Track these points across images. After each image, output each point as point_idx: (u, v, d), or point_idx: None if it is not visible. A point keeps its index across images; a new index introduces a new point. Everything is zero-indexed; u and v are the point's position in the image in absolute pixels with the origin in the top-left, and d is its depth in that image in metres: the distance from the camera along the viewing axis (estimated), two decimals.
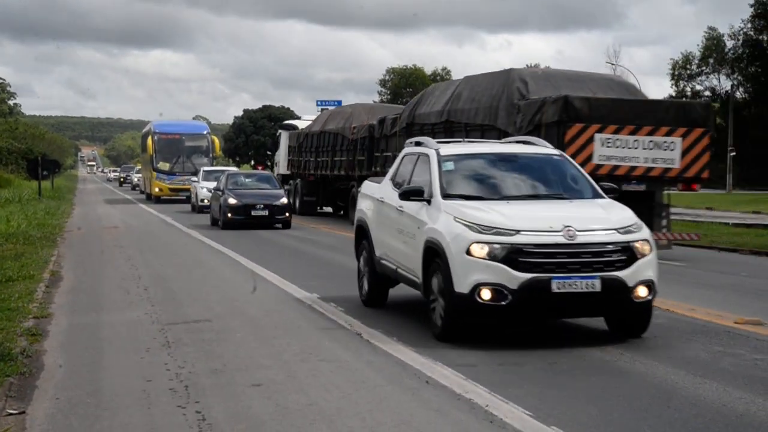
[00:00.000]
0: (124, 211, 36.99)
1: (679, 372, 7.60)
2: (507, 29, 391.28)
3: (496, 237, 8.44)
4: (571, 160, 11.00)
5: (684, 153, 17.87)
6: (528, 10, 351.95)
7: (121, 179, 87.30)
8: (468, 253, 8.44)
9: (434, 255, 8.99)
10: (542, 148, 11.00)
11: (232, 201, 25.41)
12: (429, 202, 9.56)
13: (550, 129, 17.67)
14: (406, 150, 11.56)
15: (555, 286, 8.31)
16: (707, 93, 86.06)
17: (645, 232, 8.97)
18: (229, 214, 25.25)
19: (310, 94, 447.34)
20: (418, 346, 8.50)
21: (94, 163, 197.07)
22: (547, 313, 9.29)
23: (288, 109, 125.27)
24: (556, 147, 12.94)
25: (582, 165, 13.72)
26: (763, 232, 23.51)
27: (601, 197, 9.87)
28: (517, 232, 8.47)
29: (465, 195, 9.61)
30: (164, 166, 44.24)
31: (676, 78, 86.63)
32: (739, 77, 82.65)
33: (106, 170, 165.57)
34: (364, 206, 11.73)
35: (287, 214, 26.04)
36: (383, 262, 10.75)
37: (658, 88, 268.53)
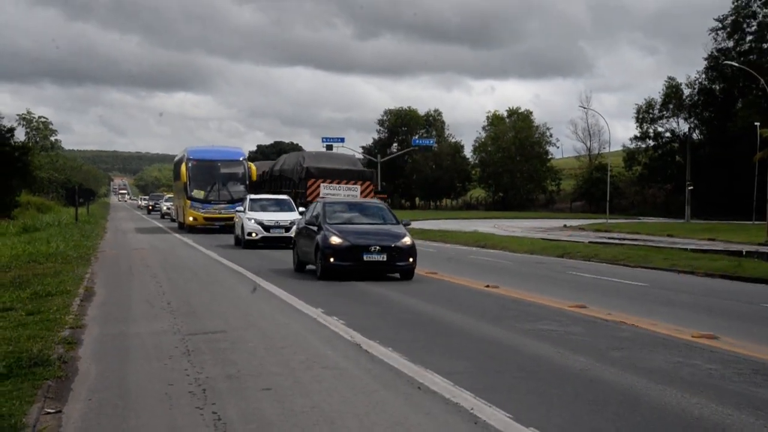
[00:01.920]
0: (156, 241, 32.06)
1: (643, 380, 7.57)
2: (491, 76, 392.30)
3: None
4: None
5: (361, 192, 36.81)
6: (509, 60, 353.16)
7: (150, 207, 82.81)
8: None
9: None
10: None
11: (335, 240, 16.41)
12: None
13: (303, 181, 36.60)
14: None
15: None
16: (668, 134, 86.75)
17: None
18: (332, 259, 16.31)
19: (316, 131, 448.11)
20: (412, 355, 8.47)
21: (125, 191, 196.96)
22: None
23: (297, 144, 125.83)
24: (301, 191, 35.91)
25: (315, 196, 32.00)
26: (716, 257, 23.51)
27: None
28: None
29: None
30: (199, 194, 37.16)
31: (640, 121, 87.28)
32: (695, 121, 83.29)
33: (135, 198, 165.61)
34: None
35: (410, 260, 16.70)
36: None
37: (625, 129, 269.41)
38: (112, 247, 26.60)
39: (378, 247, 16.25)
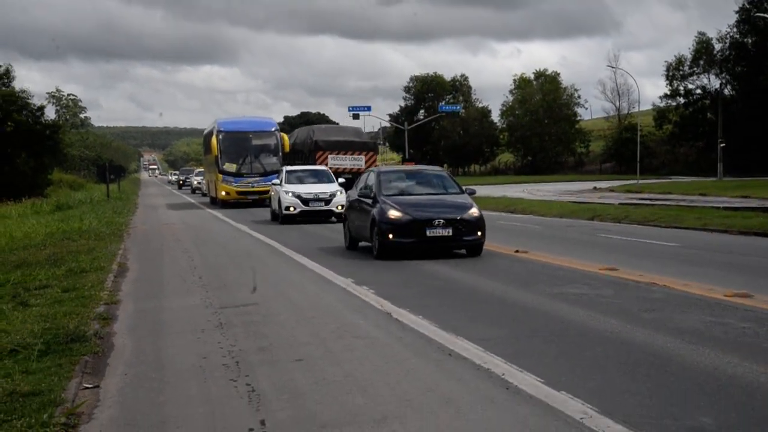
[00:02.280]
0: (189, 218, 30.93)
1: (675, 341, 7.55)
2: (516, 38, 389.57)
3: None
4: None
5: (366, 162, 39.48)
6: (534, 21, 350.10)
7: (180, 182, 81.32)
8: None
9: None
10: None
11: (394, 214, 14.64)
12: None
13: (312, 153, 39.49)
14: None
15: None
16: (699, 91, 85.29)
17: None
18: (390, 235, 14.52)
19: (343, 100, 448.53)
20: (442, 322, 8.51)
21: (156, 167, 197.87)
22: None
23: (324, 115, 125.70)
24: (311, 163, 37.34)
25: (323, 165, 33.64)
26: (749, 215, 23.23)
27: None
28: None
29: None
30: (231, 167, 35.89)
31: (670, 78, 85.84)
32: (727, 77, 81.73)
33: (164, 173, 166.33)
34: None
35: (479, 234, 14.82)
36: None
37: (654, 88, 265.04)
38: (143, 223, 26.88)
39: (442, 221, 14.43)
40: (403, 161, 79.67)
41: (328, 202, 25.36)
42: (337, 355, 7.22)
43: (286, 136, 38.04)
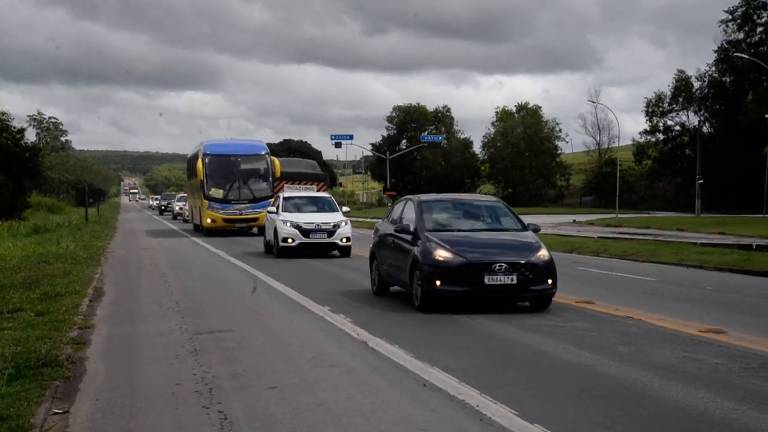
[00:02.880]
0: (172, 245, 29.79)
1: (649, 375, 7.57)
2: (499, 71, 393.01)
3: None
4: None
5: (317, 190, 38.79)
6: (517, 54, 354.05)
7: (162, 207, 77.39)
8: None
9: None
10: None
11: (443, 255, 11.73)
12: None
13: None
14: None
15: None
16: (678, 128, 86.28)
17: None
18: (438, 282, 11.57)
19: (325, 128, 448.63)
20: (417, 353, 8.49)
21: (136, 191, 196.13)
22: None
23: (306, 142, 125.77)
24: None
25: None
26: (726, 251, 23.43)
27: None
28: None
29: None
30: (217, 193, 33.06)
31: (650, 114, 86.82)
32: (705, 114, 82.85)
33: (145, 197, 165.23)
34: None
35: (549, 282, 11.85)
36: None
37: (634, 123, 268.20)
38: (121, 248, 26.70)
39: (505, 265, 11.48)
40: (384, 191, 79.78)
41: (331, 233, 22.27)
42: (311, 384, 7.18)
43: (277, 161, 35.41)
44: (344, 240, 22.27)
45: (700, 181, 67.33)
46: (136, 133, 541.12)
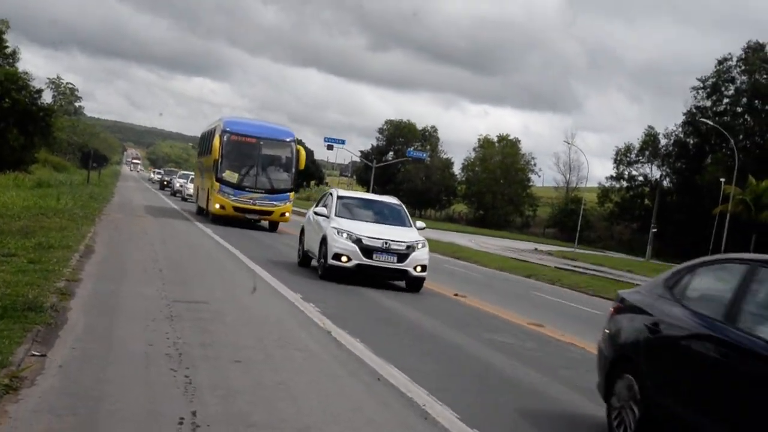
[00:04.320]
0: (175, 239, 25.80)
1: (584, 400, 7.59)
2: (487, 101, 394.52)
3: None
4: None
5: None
6: (506, 89, 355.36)
7: (165, 182, 69.57)
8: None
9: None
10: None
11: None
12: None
13: None
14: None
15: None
16: (640, 178, 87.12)
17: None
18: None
19: (320, 131, 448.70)
20: (377, 349, 8.45)
21: (138, 162, 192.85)
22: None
23: (300, 140, 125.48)
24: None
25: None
26: None
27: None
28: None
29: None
30: (231, 176, 26.82)
31: (617, 162, 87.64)
32: (667, 170, 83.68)
33: (143, 169, 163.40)
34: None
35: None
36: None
37: (602, 168, 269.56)
38: (117, 212, 26.46)
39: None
40: None
41: (403, 257, 14.61)
42: (275, 363, 7.13)
43: (303, 151, 28.63)
44: (418, 269, 14.72)
45: (654, 230, 67.95)
46: (144, 108, 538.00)
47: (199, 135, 38.70)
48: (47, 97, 66.86)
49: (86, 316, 8.10)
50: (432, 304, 13.67)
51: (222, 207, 26.78)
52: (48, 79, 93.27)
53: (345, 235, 14.63)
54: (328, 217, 15.48)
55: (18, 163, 46.37)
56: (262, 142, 27.49)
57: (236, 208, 26.74)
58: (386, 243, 14.63)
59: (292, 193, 27.78)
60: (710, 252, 55.51)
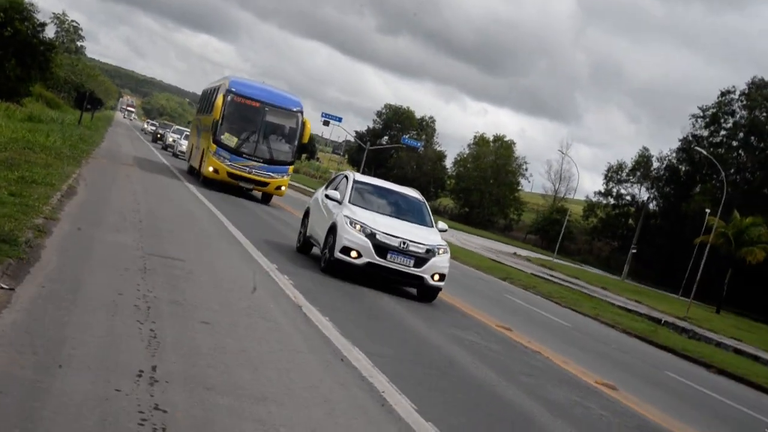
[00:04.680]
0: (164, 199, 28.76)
1: (541, 408, 7.66)
2: (488, 100, 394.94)
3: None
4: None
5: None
6: (509, 90, 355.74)
7: (158, 135, 65.47)
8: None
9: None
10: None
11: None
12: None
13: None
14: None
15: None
16: (628, 197, 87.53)
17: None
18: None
19: (319, 105, 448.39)
20: (344, 330, 8.47)
21: (133, 110, 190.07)
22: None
23: None
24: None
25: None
26: (637, 319, 23.80)
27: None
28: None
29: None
30: (230, 140, 25.09)
31: (607, 179, 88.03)
32: (655, 193, 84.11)
33: (135, 117, 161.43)
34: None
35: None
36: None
37: (592, 182, 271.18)
38: (104, 156, 26.28)
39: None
40: None
41: (421, 261, 12.71)
42: (240, 329, 7.13)
43: (309, 124, 26.56)
44: (436, 277, 12.86)
45: (633, 251, 68.29)
46: (145, 57, 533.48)
47: (197, 92, 38.70)
48: (50, 32, 65.95)
49: (60, 257, 8.06)
50: (404, 292, 13.70)
51: (215, 171, 25.11)
52: (53, 13, 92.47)
53: (358, 226, 12.46)
54: (340, 202, 13.43)
55: (12, 93, 45.90)
56: (267, 108, 25.56)
57: (230, 174, 25.03)
58: (404, 243, 12.51)
59: (291, 167, 26.16)
60: (686, 280, 55.98)
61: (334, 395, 5.96)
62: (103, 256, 8.80)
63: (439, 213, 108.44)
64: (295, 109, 26.16)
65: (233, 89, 25.64)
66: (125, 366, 5.22)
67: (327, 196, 13.94)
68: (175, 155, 45.85)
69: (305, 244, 14.81)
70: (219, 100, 25.58)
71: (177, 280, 8.51)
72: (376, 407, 5.96)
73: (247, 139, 25.32)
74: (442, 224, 14.24)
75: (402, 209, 14.13)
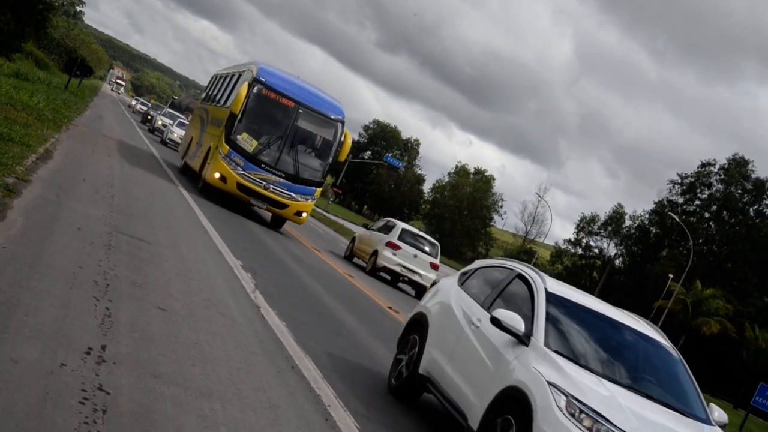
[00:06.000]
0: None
1: None
2: (474, 132, 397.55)
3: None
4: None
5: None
6: (495, 126, 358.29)
7: (149, 117, 57.89)
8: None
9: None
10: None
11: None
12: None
13: None
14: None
15: None
16: (596, 250, 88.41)
17: None
18: None
19: None
20: (299, 337, 8.41)
21: (123, 84, 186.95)
22: None
23: None
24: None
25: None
26: None
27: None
28: None
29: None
30: (247, 142, 19.33)
31: (579, 229, 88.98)
32: (623, 249, 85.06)
33: (124, 92, 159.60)
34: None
35: None
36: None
37: (563, 229, 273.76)
38: (85, 125, 26.00)
39: None
40: (333, 185, 79.46)
41: None
42: (196, 321, 7.05)
43: (350, 139, 20.76)
44: None
45: None
46: (142, 33, 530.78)
47: (189, 75, 37.06)
48: None
49: (25, 219, 7.92)
50: (365, 309, 13.71)
51: (222, 178, 19.32)
52: None
53: (587, 420, 5.51)
54: (521, 337, 6.51)
55: (2, 47, 45.33)
56: (301, 110, 19.75)
57: (240, 186, 19.32)
58: None
59: (318, 189, 20.36)
60: None
61: (281, 401, 5.90)
62: (69, 226, 8.67)
63: None
64: (335, 117, 20.33)
65: (262, 78, 19.80)
66: (75, 341, 5.13)
67: (496, 321, 6.53)
68: (163, 143, 41.11)
69: (411, 384, 7.89)
70: (243, 90, 19.61)
71: (140, 262, 8.40)
72: (321, 421, 5.92)
73: (268, 145, 19.56)
74: (720, 414, 6.76)
75: (643, 369, 7.08)
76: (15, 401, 3.97)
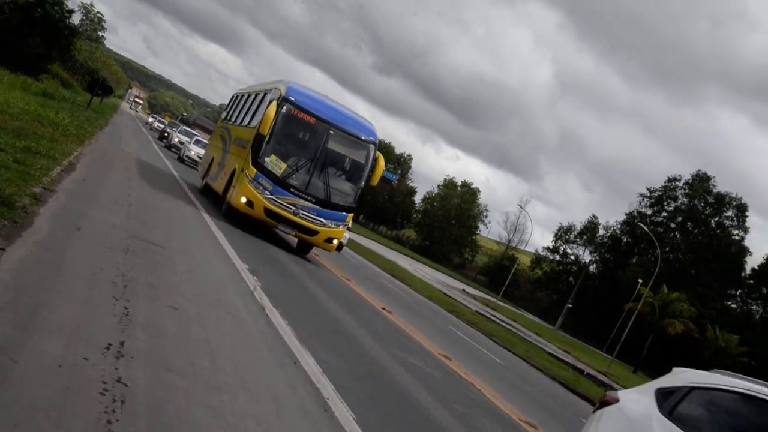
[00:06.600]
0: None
1: (462, 429, 7.62)
2: (461, 147, 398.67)
3: None
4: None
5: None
6: (481, 142, 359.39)
7: (166, 134, 55.25)
8: None
9: None
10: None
11: None
12: None
13: None
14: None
15: None
16: (572, 257, 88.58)
17: None
18: None
19: None
20: (301, 335, 8.38)
21: (141, 102, 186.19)
22: None
23: None
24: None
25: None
26: (564, 367, 23.94)
27: None
28: None
29: None
30: (276, 165, 16.65)
31: (557, 237, 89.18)
32: (597, 257, 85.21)
33: (142, 110, 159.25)
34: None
35: None
36: None
37: (542, 238, 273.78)
38: (106, 140, 25.96)
39: None
40: None
41: None
42: (206, 319, 7.03)
43: (383, 162, 18.15)
44: None
45: (569, 305, 68.98)
46: (157, 55, 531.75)
47: (200, 95, 36.43)
48: (76, 19, 65.49)
49: (51, 226, 7.90)
50: (361, 310, 13.68)
51: (249, 203, 16.68)
52: (81, 2, 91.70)
53: None
54: None
55: (31, 68, 45.36)
56: (332, 132, 17.09)
57: (268, 212, 16.66)
58: None
59: (350, 215, 17.65)
60: (611, 339, 56.50)
61: (284, 396, 5.87)
62: (91, 232, 8.64)
63: (401, 242, 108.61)
64: (367, 139, 17.76)
65: (291, 98, 17.14)
66: (96, 337, 5.11)
67: None
68: (180, 160, 38.07)
69: None
70: (271, 110, 16.79)
71: (155, 265, 8.34)
72: (320, 412, 5.90)
73: (297, 168, 16.86)
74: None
75: None
76: (40, 392, 3.97)
